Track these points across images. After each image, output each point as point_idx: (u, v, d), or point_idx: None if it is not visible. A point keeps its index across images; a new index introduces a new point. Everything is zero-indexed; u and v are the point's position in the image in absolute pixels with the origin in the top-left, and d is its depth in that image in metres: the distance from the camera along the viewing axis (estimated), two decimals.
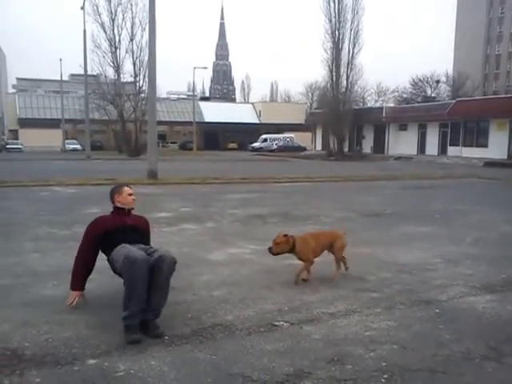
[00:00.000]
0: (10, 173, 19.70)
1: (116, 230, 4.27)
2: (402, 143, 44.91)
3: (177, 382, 2.94)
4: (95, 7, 41.02)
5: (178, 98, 74.75)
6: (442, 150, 41.70)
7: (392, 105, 59.68)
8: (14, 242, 6.93)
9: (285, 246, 4.92)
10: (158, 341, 3.52)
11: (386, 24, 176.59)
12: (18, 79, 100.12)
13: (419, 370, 3.14)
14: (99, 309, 4.18)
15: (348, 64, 44.62)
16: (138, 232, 4.43)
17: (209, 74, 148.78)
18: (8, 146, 51.92)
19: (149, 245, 4.44)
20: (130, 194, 4.61)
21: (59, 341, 3.49)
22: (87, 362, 3.18)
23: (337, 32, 44.11)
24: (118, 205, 4.53)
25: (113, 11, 41.47)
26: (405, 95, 67.18)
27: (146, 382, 2.92)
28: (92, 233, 4.36)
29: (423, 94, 65.06)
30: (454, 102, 42.58)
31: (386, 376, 3.03)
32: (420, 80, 65.88)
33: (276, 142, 59.21)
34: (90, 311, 4.11)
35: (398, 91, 68.38)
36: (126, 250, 3.96)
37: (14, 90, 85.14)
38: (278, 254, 4.97)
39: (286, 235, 4.96)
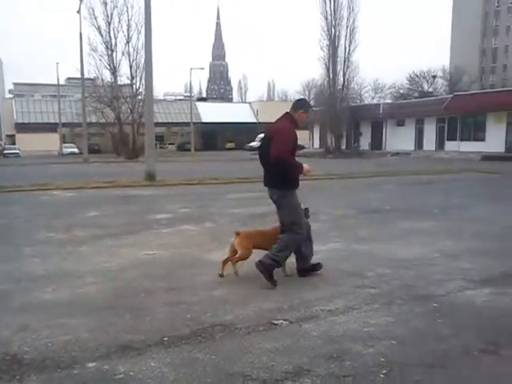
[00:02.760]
0: (8, 178, 19.69)
1: (296, 140, 4.90)
2: (399, 139, 44.85)
3: (177, 383, 2.95)
4: (91, 10, 41.02)
5: (175, 99, 74.83)
6: (440, 144, 41.69)
7: (389, 101, 59.64)
8: (13, 246, 6.94)
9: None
10: (157, 342, 3.53)
11: (381, 20, 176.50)
12: (14, 84, 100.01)
13: (418, 365, 3.15)
14: (98, 312, 4.18)
15: (344, 61, 44.80)
16: None
17: (205, 74, 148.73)
18: (5, 152, 51.82)
19: None
20: None
21: (59, 344, 3.49)
22: (87, 365, 3.19)
23: (333, 29, 44.31)
24: (296, 118, 4.98)
25: (109, 14, 41.54)
26: (402, 91, 67.14)
27: None
28: (292, 140, 4.83)
29: (420, 89, 65.07)
30: (451, 96, 42.61)
31: (384, 371, 3.04)
32: (417, 75, 65.86)
33: None
34: (89, 315, 4.12)
35: (394, 87, 68.44)
36: (301, 211, 4.97)
37: (11, 95, 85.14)
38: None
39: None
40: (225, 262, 5.22)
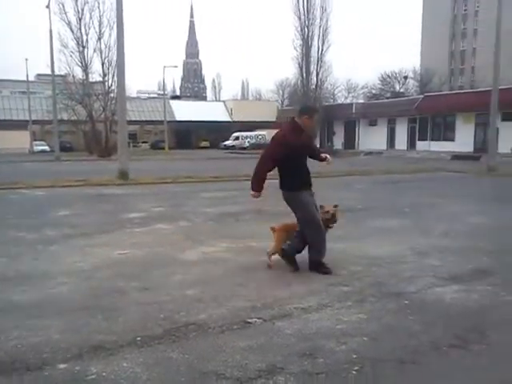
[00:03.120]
0: None
1: (297, 148, 5.08)
2: (372, 139, 45.54)
3: (150, 383, 2.93)
4: (61, 6, 40.00)
5: (149, 97, 73.89)
6: (411, 144, 42.48)
7: (361, 101, 60.37)
8: None
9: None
10: (130, 342, 3.50)
11: (354, 21, 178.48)
12: None
13: (389, 360, 3.20)
14: (70, 312, 4.12)
15: (318, 61, 45.20)
16: (310, 148, 5.45)
17: (179, 72, 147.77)
18: None
19: (318, 153, 5.67)
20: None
21: (29, 346, 3.43)
22: (58, 366, 3.14)
23: (306, 29, 44.64)
24: (301, 124, 5.16)
25: (79, 10, 40.55)
26: (374, 91, 68.02)
27: None
28: (279, 150, 5.09)
29: (392, 89, 66.04)
30: (421, 97, 43.42)
31: (356, 368, 3.09)
32: (388, 76, 66.80)
33: (248, 139, 59.21)
34: (61, 315, 4.05)
35: (367, 87, 69.25)
36: (311, 209, 5.28)
37: None
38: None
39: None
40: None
